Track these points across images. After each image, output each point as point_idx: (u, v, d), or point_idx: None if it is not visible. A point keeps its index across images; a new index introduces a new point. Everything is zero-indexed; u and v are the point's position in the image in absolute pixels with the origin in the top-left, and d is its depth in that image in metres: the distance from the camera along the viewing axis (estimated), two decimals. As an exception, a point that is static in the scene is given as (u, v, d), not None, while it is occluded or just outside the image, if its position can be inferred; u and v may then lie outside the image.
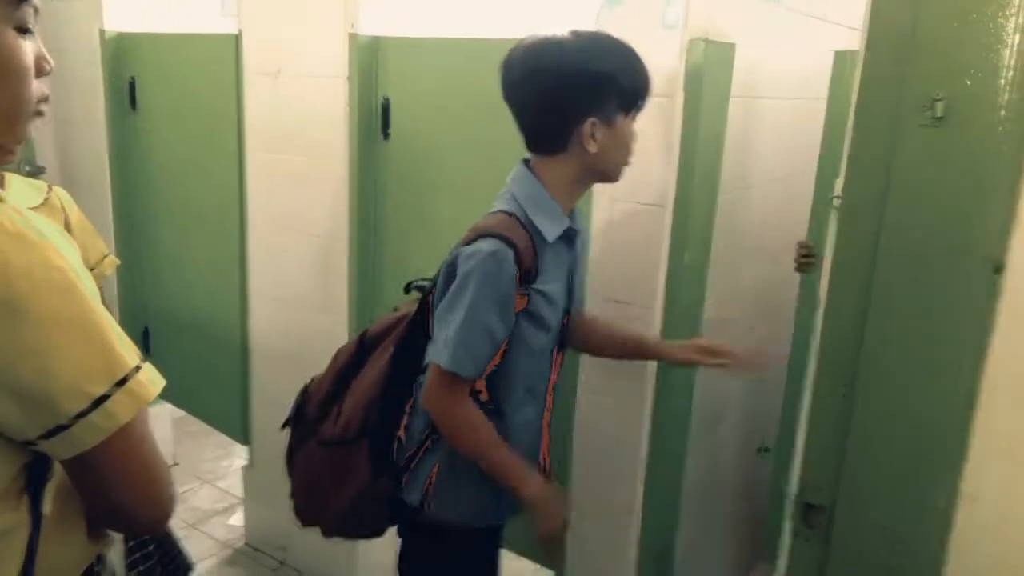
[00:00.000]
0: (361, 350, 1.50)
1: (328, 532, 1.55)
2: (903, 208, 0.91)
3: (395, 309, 1.58)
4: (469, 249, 1.28)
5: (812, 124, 2.03)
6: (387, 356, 1.45)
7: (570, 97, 1.29)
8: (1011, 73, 0.83)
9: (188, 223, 2.61)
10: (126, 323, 1.24)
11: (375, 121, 2.01)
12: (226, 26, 2.29)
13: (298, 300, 2.26)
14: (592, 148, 1.31)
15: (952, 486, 0.92)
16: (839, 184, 0.96)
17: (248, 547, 2.63)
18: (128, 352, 0.75)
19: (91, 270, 1.10)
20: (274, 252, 2.30)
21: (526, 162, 1.39)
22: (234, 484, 2.93)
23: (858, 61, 0.92)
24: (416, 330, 1.43)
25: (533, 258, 1.30)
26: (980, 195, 0.87)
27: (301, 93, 2.11)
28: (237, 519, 2.77)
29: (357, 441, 1.43)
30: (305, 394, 1.55)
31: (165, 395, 0.82)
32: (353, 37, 1.96)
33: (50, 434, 0.72)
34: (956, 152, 0.87)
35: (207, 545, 2.64)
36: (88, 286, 0.73)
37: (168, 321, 2.77)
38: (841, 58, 2.02)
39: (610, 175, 1.38)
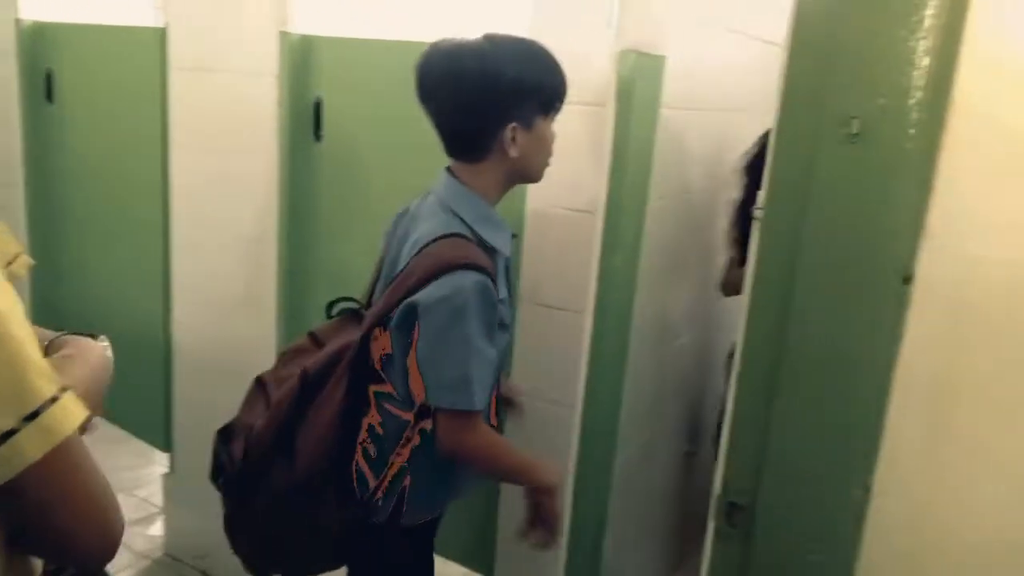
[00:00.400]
0: (303, 392, 1.42)
1: None
2: (821, 220, 0.95)
3: (311, 334, 1.53)
4: (445, 285, 1.25)
5: (752, 136, 2.08)
6: (341, 393, 1.39)
7: (490, 103, 1.29)
8: (920, 94, 0.87)
9: (108, 221, 2.51)
10: (40, 326, 1.19)
11: (307, 121, 1.98)
12: (154, 18, 2.22)
13: (224, 303, 2.20)
14: (514, 152, 1.32)
15: (864, 483, 0.97)
16: (761, 196, 0.99)
17: (167, 557, 2.54)
18: (44, 381, 0.68)
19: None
20: (200, 253, 2.23)
21: (449, 170, 1.39)
22: (154, 493, 2.83)
23: (779, 78, 0.96)
24: (366, 359, 1.40)
25: (496, 275, 1.32)
26: (891, 209, 0.91)
27: (230, 90, 2.06)
28: (156, 529, 2.68)
29: (323, 482, 1.38)
30: (229, 445, 1.46)
31: (82, 401, 0.78)
32: (284, 35, 1.92)
33: None
34: (870, 168, 0.91)
35: (125, 557, 2.53)
36: (3, 303, 0.67)
37: (85, 324, 2.62)
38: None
39: (533, 177, 1.41)
